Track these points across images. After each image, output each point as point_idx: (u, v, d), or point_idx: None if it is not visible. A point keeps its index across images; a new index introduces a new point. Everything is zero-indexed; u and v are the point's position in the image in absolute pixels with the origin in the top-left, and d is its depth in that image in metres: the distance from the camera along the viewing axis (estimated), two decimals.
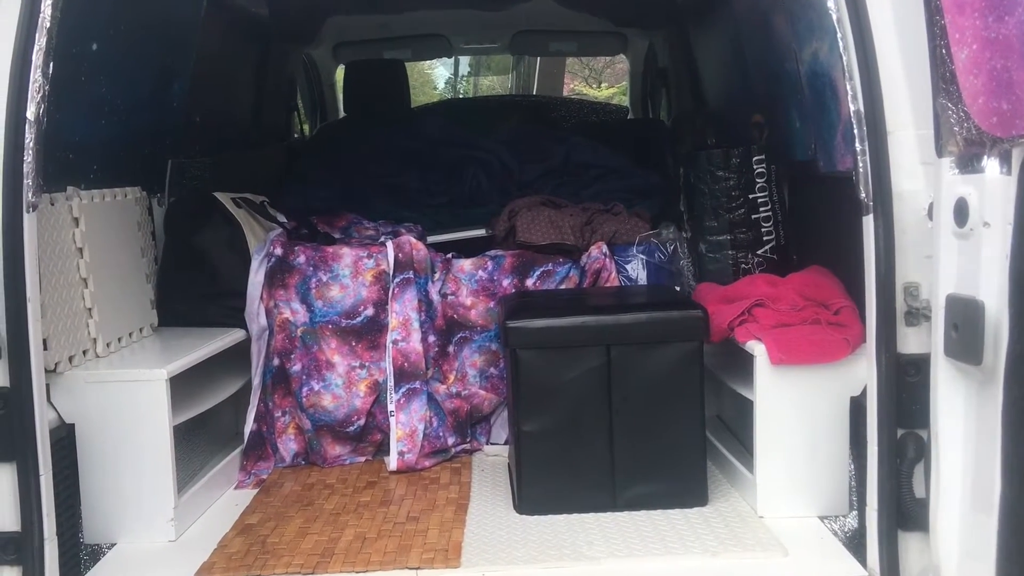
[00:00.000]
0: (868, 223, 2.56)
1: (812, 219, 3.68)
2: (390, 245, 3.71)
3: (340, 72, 7.00)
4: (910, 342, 2.52)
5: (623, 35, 6.59)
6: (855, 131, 2.57)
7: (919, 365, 2.50)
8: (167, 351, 3.36)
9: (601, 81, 21.41)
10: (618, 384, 3.07)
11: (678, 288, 3.89)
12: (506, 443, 3.76)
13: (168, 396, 3.01)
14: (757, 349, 2.99)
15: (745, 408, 3.22)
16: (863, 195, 2.56)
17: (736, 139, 4.24)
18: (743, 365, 3.17)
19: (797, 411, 3.00)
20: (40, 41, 2.47)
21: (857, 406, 2.95)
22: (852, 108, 2.57)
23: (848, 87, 2.57)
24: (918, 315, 2.50)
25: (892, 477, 2.53)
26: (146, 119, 3.72)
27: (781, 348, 2.96)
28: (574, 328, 3.07)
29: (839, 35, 2.57)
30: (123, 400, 2.96)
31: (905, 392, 2.52)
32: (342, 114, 6.86)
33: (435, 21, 6.14)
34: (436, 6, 5.14)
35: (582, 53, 7.73)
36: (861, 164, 2.55)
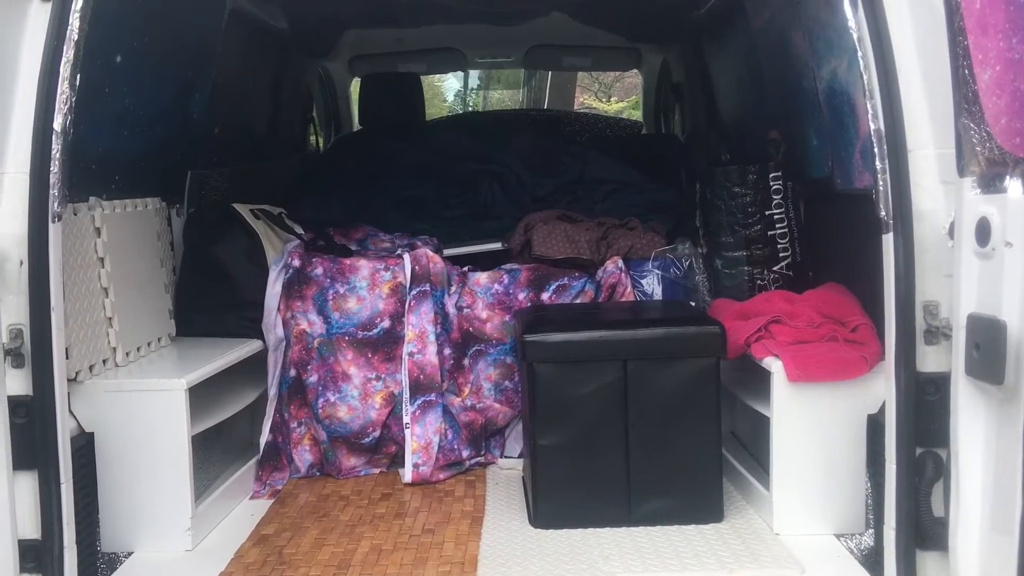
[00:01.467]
0: (888, 241, 2.56)
1: (828, 236, 3.68)
2: (407, 258, 3.73)
3: (355, 85, 7.04)
4: (929, 360, 2.52)
5: (637, 50, 6.61)
6: (875, 149, 2.57)
7: (938, 383, 2.50)
8: (185, 361, 3.38)
9: (611, 95, 21.45)
10: (634, 399, 3.08)
11: (693, 304, 3.90)
12: (520, 456, 3.77)
13: (187, 406, 3.02)
14: (774, 366, 3.00)
15: (760, 424, 3.23)
16: (883, 213, 2.56)
17: (751, 155, 4.26)
18: (759, 381, 3.17)
19: (814, 428, 3.00)
20: (68, 53, 2.51)
21: (874, 424, 2.95)
22: (872, 127, 2.57)
23: (868, 106, 2.58)
24: (937, 334, 2.50)
25: (910, 496, 2.52)
26: (167, 130, 3.75)
27: (799, 365, 2.96)
28: (591, 343, 3.08)
29: (859, 54, 2.58)
30: (142, 409, 2.98)
31: (924, 410, 2.52)
32: (357, 126, 6.90)
33: (450, 35, 6.17)
34: (451, 20, 5.17)
35: (596, 68, 7.76)
36: (881, 182, 2.56)
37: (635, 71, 7.01)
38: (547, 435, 3.10)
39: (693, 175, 5.39)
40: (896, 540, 2.54)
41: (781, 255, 3.72)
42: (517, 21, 5.40)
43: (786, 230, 3.72)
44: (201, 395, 3.17)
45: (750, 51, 4.30)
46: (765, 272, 3.73)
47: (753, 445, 3.39)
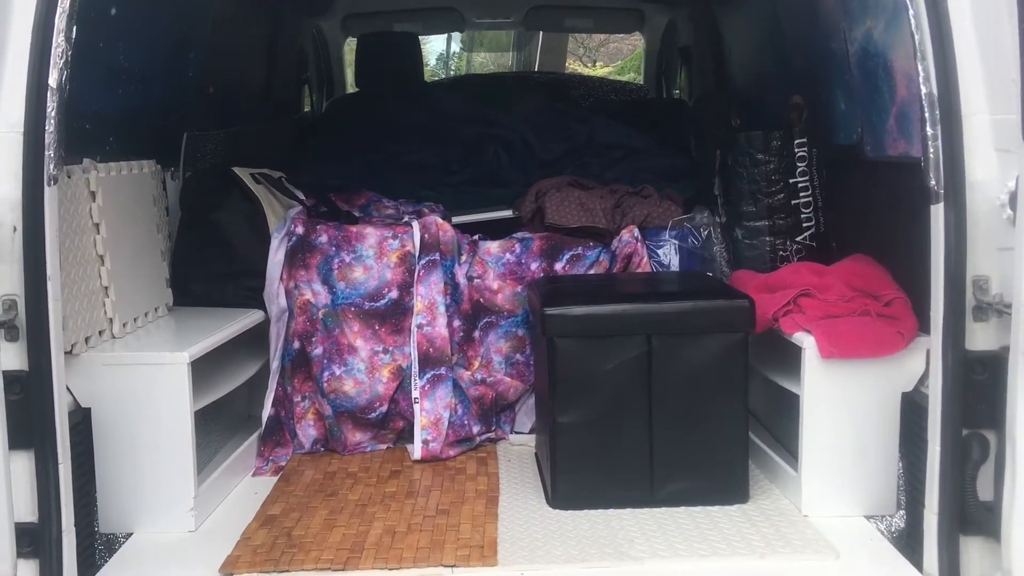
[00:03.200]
0: (937, 212, 2.43)
1: (854, 206, 3.55)
2: (416, 225, 3.57)
3: (349, 45, 6.83)
4: (978, 338, 2.41)
5: (640, 12, 6.43)
6: (926, 115, 2.43)
7: (986, 362, 2.39)
8: (185, 333, 3.22)
9: (596, 60, 21.18)
10: (659, 375, 2.95)
11: (710, 275, 3.77)
12: (531, 432, 3.65)
13: (189, 381, 2.87)
14: (806, 342, 2.87)
15: (782, 402, 3.11)
16: (933, 183, 2.43)
17: (767, 121, 4.12)
18: (786, 357, 3.05)
19: (845, 407, 2.88)
20: (63, 3, 2.32)
21: (909, 402, 2.85)
22: (924, 90, 2.43)
23: (920, 68, 2.44)
24: (988, 310, 2.38)
25: (955, 479, 2.42)
26: (162, 89, 3.56)
27: (832, 341, 2.84)
28: (615, 316, 2.94)
29: (911, 13, 2.43)
30: (142, 384, 2.83)
31: (971, 390, 2.41)
32: (351, 88, 6.70)
33: None
34: None
35: (598, 30, 7.57)
36: (932, 150, 2.42)
37: (627, 36, 6.82)
38: (567, 412, 2.97)
39: (703, 141, 5.27)
40: (939, 525, 2.44)
41: (804, 225, 3.59)
42: None
43: (810, 199, 3.58)
44: (200, 368, 3.01)
45: (769, 12, 4.13)
46: (788, 242, 3.59)
47: (772, 423, 3.28)
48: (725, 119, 4.86)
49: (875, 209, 3.35)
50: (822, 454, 2.90)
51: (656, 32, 6.52)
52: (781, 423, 3.12)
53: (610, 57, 20.53)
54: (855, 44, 3.28)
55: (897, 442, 2.88)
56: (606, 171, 4.52)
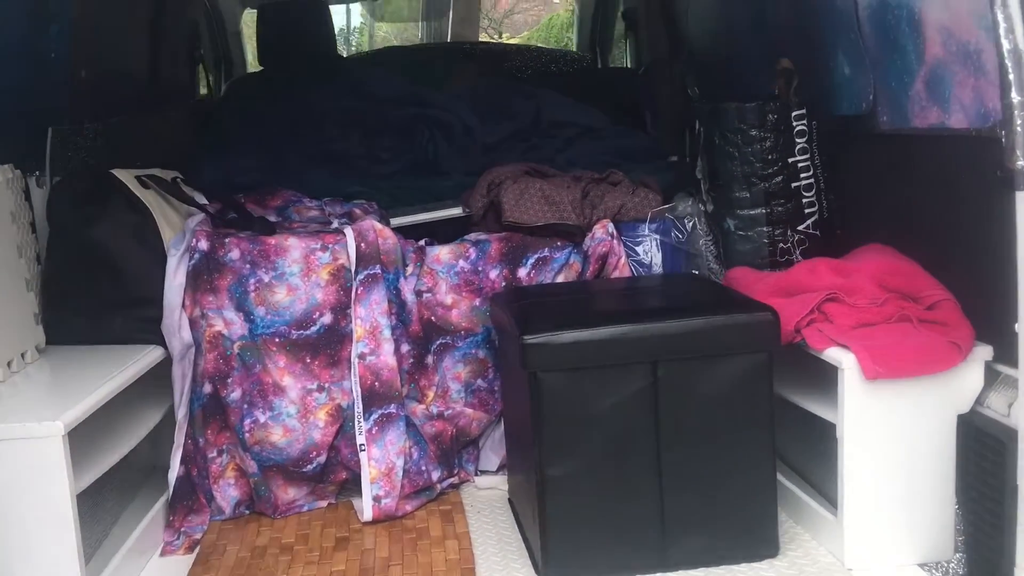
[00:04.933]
0: (1022, 200, 1.93)
1: (863, 186, 3.05)
2: (350, 232, 2.92)
3: (247, 17, 6.05)
4: None
5: None
6: (1010, 76, 1.92)
7: None
8: (60, 387, 2.53)
9: (502, 31, 20.57)
10: (667, 410, 2.40)
11: (696, 272, 3.24)
12: (499, 470, 3.07)
13: (67, 457, 2.20)
14: (844, 360, 2.35)
15: (811, 432, 2.60)
16: (1020, 162, 1.92)
17: (736, 90, 3.59)
18: (813, 378, 2.54)
19: (891, 435, 2.39)
20: None
21: (966, 425, 2.37)
22: (1006, 46, 1.92)
23: (1000, 18, 1.92)
24: None
25: None
26: (16, 74, 2.83)
27: (876, 358, 2.33)
28: (613, 341, 2.37)
29: None
30: (4, 464, 2.14)
31: None
32: (252, 67, 5.93)
33: None
34: None
35: None
36: (1019, 121, 1.91)
37: (533, 5, 6.22)
38: (557, 463, 2.39)
39: (657, 116, 4.73)
40: None
41: (807, 211, 3.08)
42: None
43: (812, 181, 3.07)
44: (84, 425, 2.33)
45: None
46: (788, 232, 3.08)
47: (795, 457, 2.76)
48: (681, 89, 4.34)
49: (893, 190, 2.85)
50: (866, 493, 2.41)
51: None
52: (812, 458, 2.60)
53: (516, 28, 19.94)
54: None
55: (953, 473, 2.41)
56: (559, 154, 3.94)
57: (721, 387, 2.40)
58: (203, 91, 5.33)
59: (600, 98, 4.45)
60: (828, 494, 2.52)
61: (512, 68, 5.07)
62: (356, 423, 2.85)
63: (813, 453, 2.62)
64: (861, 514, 2.41)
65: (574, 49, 6.31)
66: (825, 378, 2.46)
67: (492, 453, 3.10)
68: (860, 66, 2.90)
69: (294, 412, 2.83)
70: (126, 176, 2.95)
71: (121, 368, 2.61)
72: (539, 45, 10.54)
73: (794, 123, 3.05)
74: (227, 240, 2.88)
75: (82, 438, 2.36)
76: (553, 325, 2.40)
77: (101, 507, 2.56)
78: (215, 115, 4.45)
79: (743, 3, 3.66)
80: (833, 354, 2.40)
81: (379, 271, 2.90)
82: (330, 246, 2.91)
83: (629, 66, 5.35)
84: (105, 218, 2.87)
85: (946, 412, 2.38)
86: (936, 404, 2.38)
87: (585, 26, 6.12)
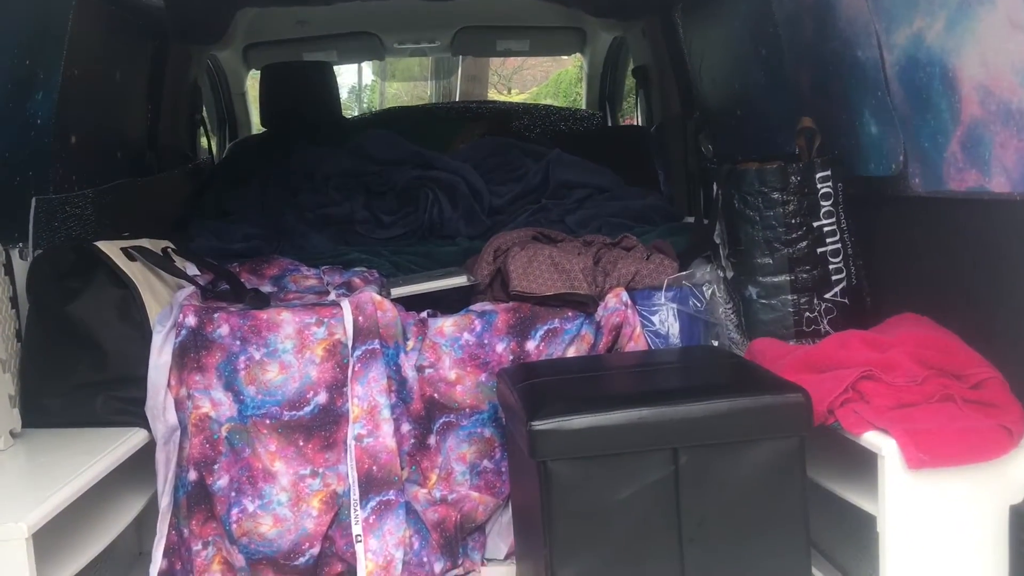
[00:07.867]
0: None
1: (893, 252, 2.87)
2: (347, 306, 2.74)
3: (252, 79, 5.98)
4: None
5: (582, 31, 5.75)
6: None
7: None
8: (31, 479, 2.33)
9: (511, 87, 20.68)
10: (690, 502, 2.19)
11: (716, 343, 3.04)
12: (507, 559, 2.85)
13: (31, 562, 2.00)
14: (885, 447, 2.15)
15: (845, 518, 2.39)
16: None
17: (751, 149, 3.44)
18: (847, 458, 2.33)
19: (937, 528, 2.18)
20: None
21: (1019, 517, 2.15)
22: None
23: None
24: None
25: None
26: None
27: (921, 444, 2.12)
28: (631, 427, 2.17)
29: None
30: None
31: None
32: (257, 129, 5.84)
33: (363, 15, 5.17)
34: None
35: (534, 53, 6.83)
36: None
37: (542, 61, 6.14)
38: (570, 561, 2.18)
39: (670, 175, 4.60)
40: None
41: (834, 278, 2.89)
42: None
43: (839, 246, 2.88)
44: (60, 512, 2.14)
45: (757, 17, 3.44)
46: (814, 301, 2.88)
47: (831, 547, 2.53)
48: (695, 147, 4.19)
49: (928, 256, 2.67)
50: None
51: (599, 53, 5.85)
52: (848, 548, 2.38)
53: (525, 84, 20.04)
54: (895, 51, 2.60)
55: (1007, 569, 2.19)
56: (568, 215, 3.78)
57: (749, 476, 2.20)
58: (204, 154, 5.23)
59: (611, 157, 4.30)
60: None
61: (520, 127, 4.94)
62: (352, 511, 2.64)
63: (850, 543, 2.40)
64: None
65: (583, 106, 6.21)
66: (860, 459, 2.26)
67: (500, 540, 2.88)
68: (889, 125, 2.73)
69: (285, 500, 2.63)
70: (111, 248, 2.79)
71: (100, 455, 2.42)
72: (548, 103, 10.48)
73: (819, 185, 2.87)
74: (216, 315, 2.71)
75: (58, 529, 2.17)
76: (564, 409, 2.20)
77: None
78: (214, 179, 4.32)
79: (760, 60, 3.51)
80: (872, 439, 2.19)
81: (378, 346, 2.72)
82: (326, 320, 2.73)
83: (640, 123, 5.22)
84: (87, 293, 2.70)
85: (997, 503, 2.18)
86: (986, 494, 2.17)
87: (594, 83, 6.02)
